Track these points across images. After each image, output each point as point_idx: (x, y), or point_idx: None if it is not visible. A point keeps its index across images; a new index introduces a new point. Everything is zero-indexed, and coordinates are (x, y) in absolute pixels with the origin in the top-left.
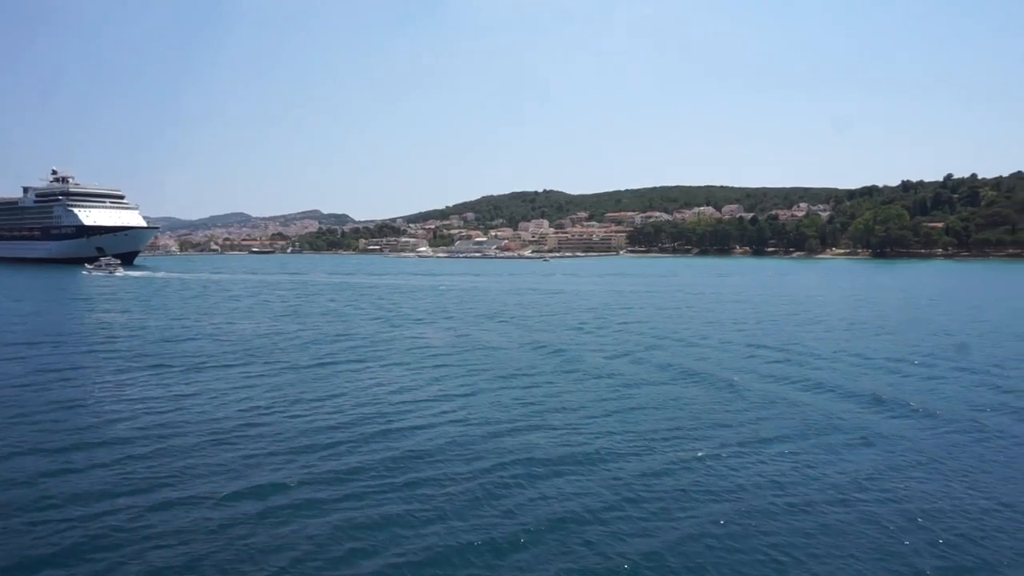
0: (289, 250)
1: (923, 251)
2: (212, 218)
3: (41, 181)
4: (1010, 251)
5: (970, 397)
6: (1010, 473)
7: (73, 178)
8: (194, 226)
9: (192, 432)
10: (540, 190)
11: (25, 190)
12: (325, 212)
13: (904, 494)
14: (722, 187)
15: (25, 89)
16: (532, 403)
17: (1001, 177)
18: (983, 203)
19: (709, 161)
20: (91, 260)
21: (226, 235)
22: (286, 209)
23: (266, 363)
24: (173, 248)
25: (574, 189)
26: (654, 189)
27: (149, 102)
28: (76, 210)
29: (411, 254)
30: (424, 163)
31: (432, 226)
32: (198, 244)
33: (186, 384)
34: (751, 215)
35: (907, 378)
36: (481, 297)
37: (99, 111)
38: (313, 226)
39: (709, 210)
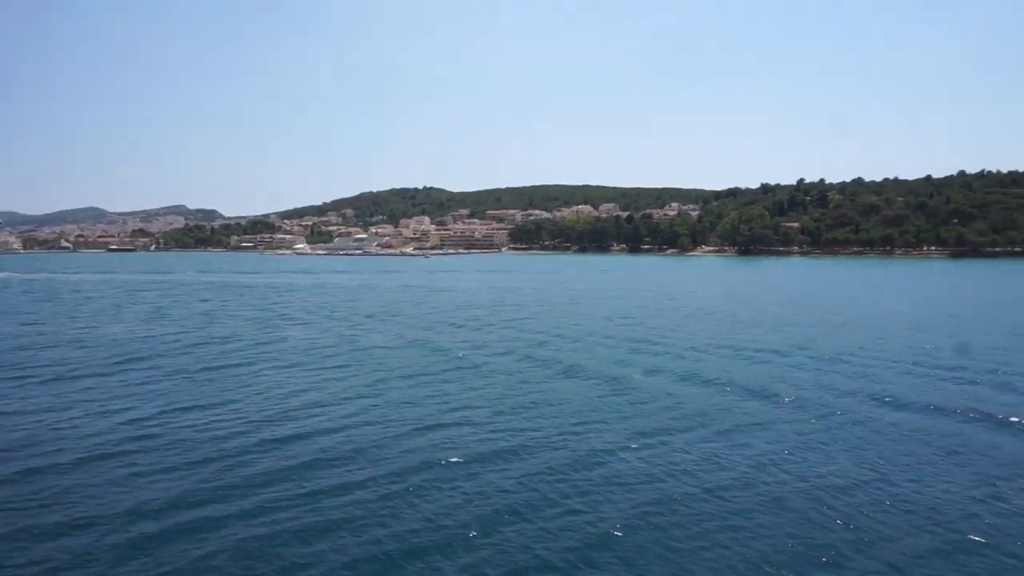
0: (153, 247)
1: (782, 248)
2: (61, 213)
3: None
4: (855, 249)
5: (840, 383)
6: (887, 449)
7: None
8: (39, 222)
9: (71, 448)
10: (421, 187)
11: None
12: (191, 207)
13: (801, 473)
14: (598, 187)
15: None
16: (431, 403)
17: (844, 183)
18: (831, 205)
19: (586, 161)
20: None
21: (78, 232)
22: (147, 204)
23: (147, 369)
24: (15, 245)
25: (455, 187)
26: (534, 188)
27: None
28: None
29: (288, 252)
30: (299, 158)
31: (309, 223)
32: (45, 241)
33: (55, 396)
34: (627, 214)
35: (786, 368)
36: (367, 295)
37: None
38: (179, 222)
39: (587, 209)
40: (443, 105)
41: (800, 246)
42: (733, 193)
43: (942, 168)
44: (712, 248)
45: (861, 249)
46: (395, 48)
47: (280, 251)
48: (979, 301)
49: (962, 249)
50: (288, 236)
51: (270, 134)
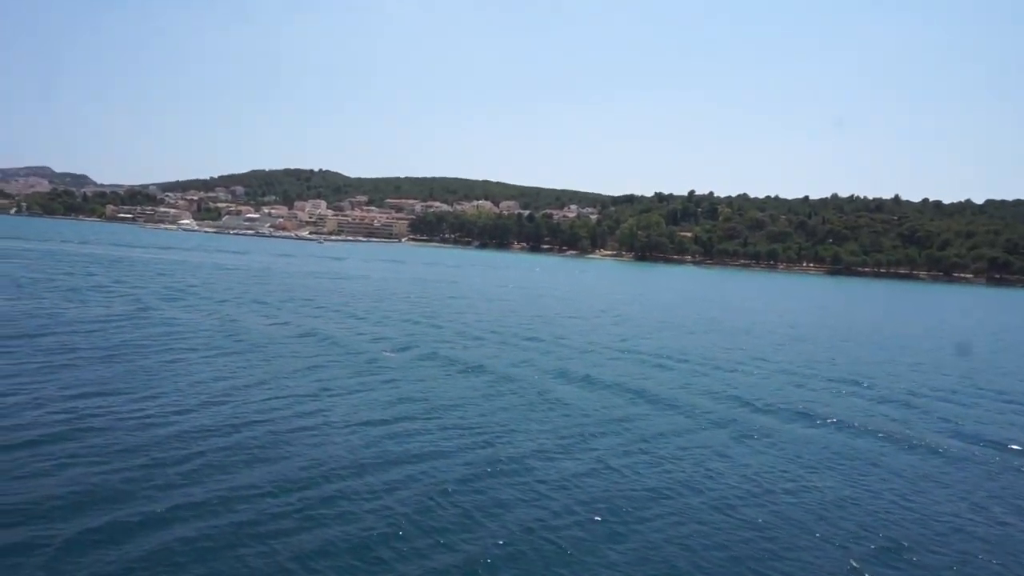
0: (13, 211)
1: (676, 256)
2: None
3: None
4: (742, 261)
5: (739, 391)
6: (770, 457)
7: None
8: None
9: None
10: (316, 169)
11: None
12: (58, 171)
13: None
14: (499, 183)
15: None
16: (330, 399)
17: (731, 197)
18: (721, 218)
19: (488, 157)
20: None
21: None
22: (5, 163)
23: (41, 351)
24: None
25: (352, 171)
26: (434, 179)
27: None
28: None
29: (172, 227)
30: (184, 126)
31: (195, 197)
32: None
33: None
34: (528, 212)
35: (670, 372)
36: (271, 279)
37: None
38: (42, 185)
39: (487, 204)
40: (341, 86)
41: (693, 255)
42: (630, 199)
43: (818, 190)
44: (610, 252)
45: (748, 262)
46: (289, 25)
47: (163, 226)
48: (861, 316)
49: (837, 267)
50: (172, 210)
51: (151, 96)
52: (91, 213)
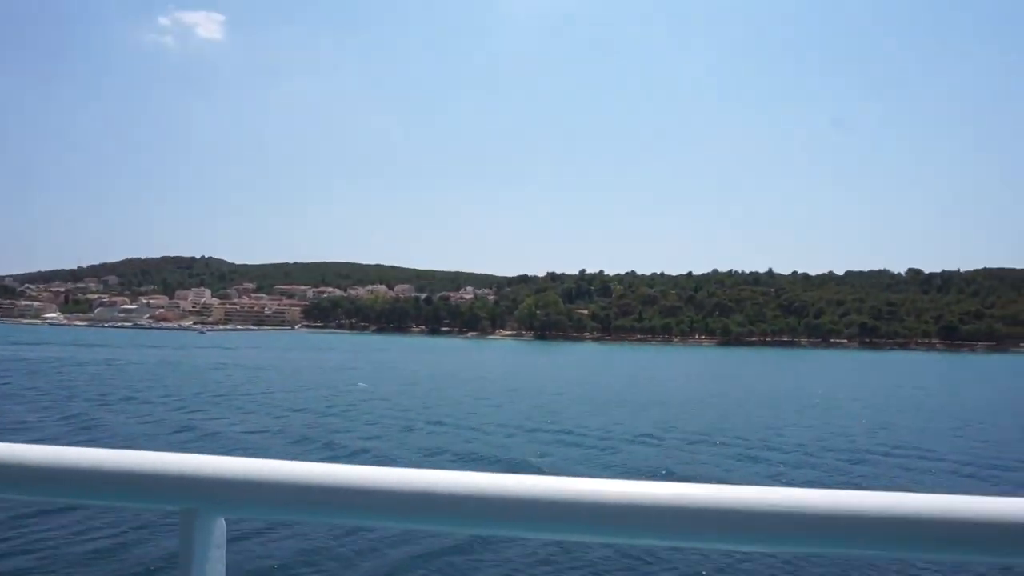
0: None
1: (575, 334)
2: None
3: None
4: (639, 336)
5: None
6: None
7: None
8: None
9: None
10: (198, 256)
11: None
12: None
13: None
14: (392, 267)
15: None
16: None
17: (620, 274)
18: (614, 295)
19: (378, 241)
20: None
21: None
22: None
23: None
24: None
25: (236, 258)
26: (325, 264)
27: None
28: None
29: (36, 321)
30: (43, 209)
31: (61, 289)
32: None
33: None
34: (424, 295)
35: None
36: (172, 373)
37: None
38: None
39: (382, 288)
40: (223, 169)
41: (591, 332)
42: (524, 279)
43: (699, 265)
44: (510, 332)
45: (644, 336)
46: (167, 104)
47: (25, 320)
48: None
49: (727, 338)
50: (36, 303)
51: (9, 181)
52: None
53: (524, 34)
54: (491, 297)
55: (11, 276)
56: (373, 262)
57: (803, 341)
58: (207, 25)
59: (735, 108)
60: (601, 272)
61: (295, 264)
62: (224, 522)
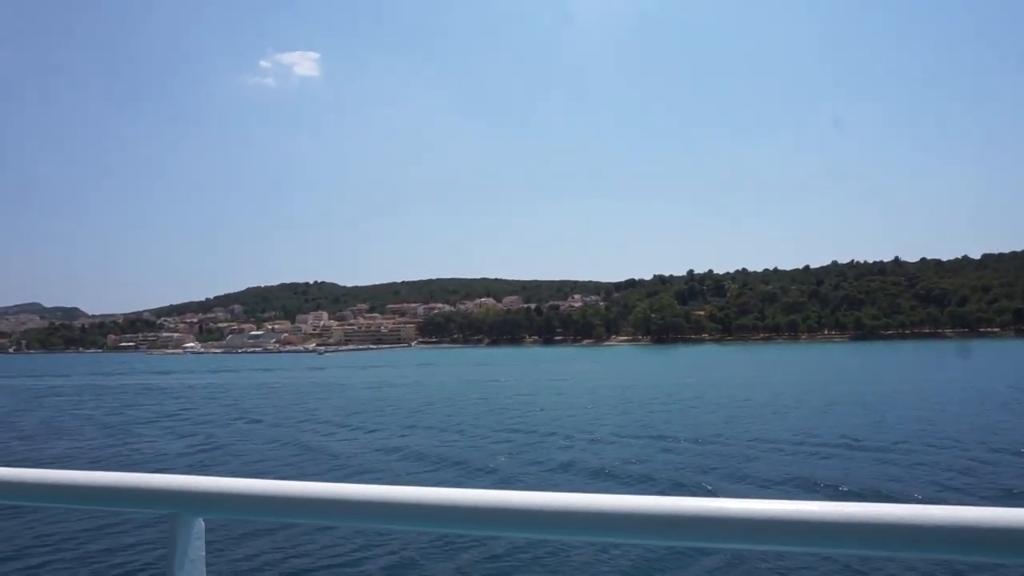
0: (12, 349)
1: (694, 336)
2: None
3: None
4: (762, 335)
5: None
6: None
7: None
8: None
9: None
10: (312, 281)
11: None
12: (48, 305)
13: None
14: (497, 280)
15: None
16: None
17: (731, 273)
18: (729, 294)
19: (482, 255)
20: None
21: None
22: None
23: None
24: None
25: (347, 281)
26: (432, 281)
27: None
28: None
29: (178, 351)
30: (172, 252)
31: (194, 320)
32: None
33: None
34: (534, 306)
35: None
36: (330, 394)
37: None
38: (34, 321)
39: (490, 301)
40: (330, 197)
41: (710, 333)
42: (631, 284)
43: (814, 258)
44: (626, 337)
45: (768, 335)
46: (272, 140)
47: (168, 350)
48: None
49: (860, 332)
50: (175, 335)
51: (139, 225)
52: (91, 344)
53: (604, 36)
54: (601, 303)
55: (148, 311)
56: (478, 276)
57: (948, 332)
58: (303, 63)
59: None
60: (710, 271)
61: (403, 283)
62: (202, 522)
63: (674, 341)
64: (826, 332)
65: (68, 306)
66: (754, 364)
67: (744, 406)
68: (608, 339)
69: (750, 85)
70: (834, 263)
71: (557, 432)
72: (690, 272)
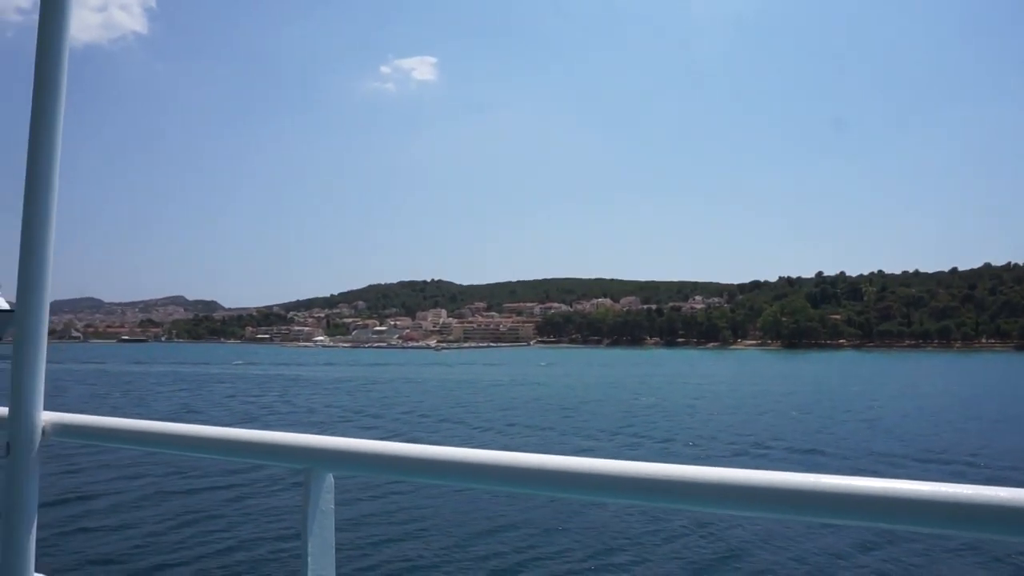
0: (164, 338)
1: (829, 342)
2: (58, 303)
3: None
4: (908, 342)
5: None
6: None
7: None
8: None
9: None
10: (429, 279)
11: None
12: (191, 298)
13: None
14: (613, 280)
15: None
16: None
17: (865, 275)
18: (867, 297)
19: (598, 255)
20: None
21: (81, 322)
22: (145, 294)
23: None
24: None
25: (463, 279)
26: (548, 280)
27: None
28: None
29: (309, 344)
30: (301, 249)
31: (320, 315)
32: (54, 331)
33: None
34: (655, 307)
35: None
36: (491, 391)
37: None
38: (178, 312)
39: (607, 302)
40: (447, 198)
41: (848, 339)
42: (757, 286)
43: (961, 259)
44: (754, 341)
45: (915, 342)
46: (393, 143)
47: (300, 343)
48: None
49: None
50: (305, 328)
51: (270, 224)
52: (230, 335)
53: (719, 32)
54: (725, 305)
55: (279, 305)
56: (594, 276)
57: None
58: (421, 68)
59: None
60: (842, 273)
61: (519, 282)
62: (332, 477)
63: (807, 346)
64: (983, 340)
65: (208, 299)
66: (917, 373)
67: (948, 422)
68: (735, 342)
69: (878, 80)
70: (987, 265)
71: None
72: (819, 274)
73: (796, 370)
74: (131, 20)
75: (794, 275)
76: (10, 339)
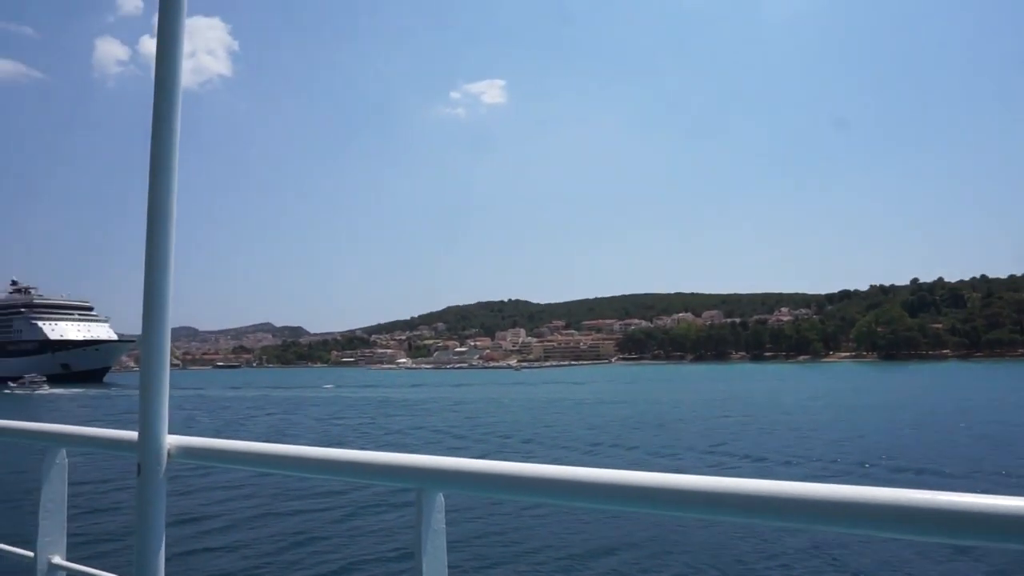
0: (255, 363)
1: (931, 352)
2: None
3: (0, 293)
4: (1021, 351)
5: None
6: None
7: (36, 289)
8: (135, 340)
9: None
10: (507, 299)
11: None
12: (278, 325)
13: None
14: (694, 294)
15: None
16: None
17: (966, 280)
18: (969, 304)
19: (675, 269)
20: (59, 376)
21: (181, 349)
22: (235, 322)
23: None
24: (131, 364)
25: (540, 298)
26: (626, 297)
27: (98, 209)
28: (40, 323)
29: (391, 366)
30: (381, 275)
31: (401, 337)
32: None
33: None
34: (739, 320)
35: None
36: (577, 409)
37: (58, 216)
38: (267, 339)
39: (690, 316)
40: (516, 220)
41: (953, 348)
42: (847, 295)
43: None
44: (848, 353)
45: None
46: (468, 166)
47: (383, 366)
48: None
49: None
50: (388, 351)
51: (351, 250)
52: (316, 359)
53: (794, 36)
54: (814, 316)
55: (361, 329)
56: (673, 290)
57: None
58: (491, 92)
59: None
60: (940, 279)
61: (596, 299)
62: (442, 497)
63: (907, 358)
64: None
65: (294, 325)
66: None
67: None
68: (827, 355)
69: (966, 77)
70: None
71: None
72: (915, 281)
73: (900, 382)
74: (217, 64)
75: (886, 283)
76: (118, 367)
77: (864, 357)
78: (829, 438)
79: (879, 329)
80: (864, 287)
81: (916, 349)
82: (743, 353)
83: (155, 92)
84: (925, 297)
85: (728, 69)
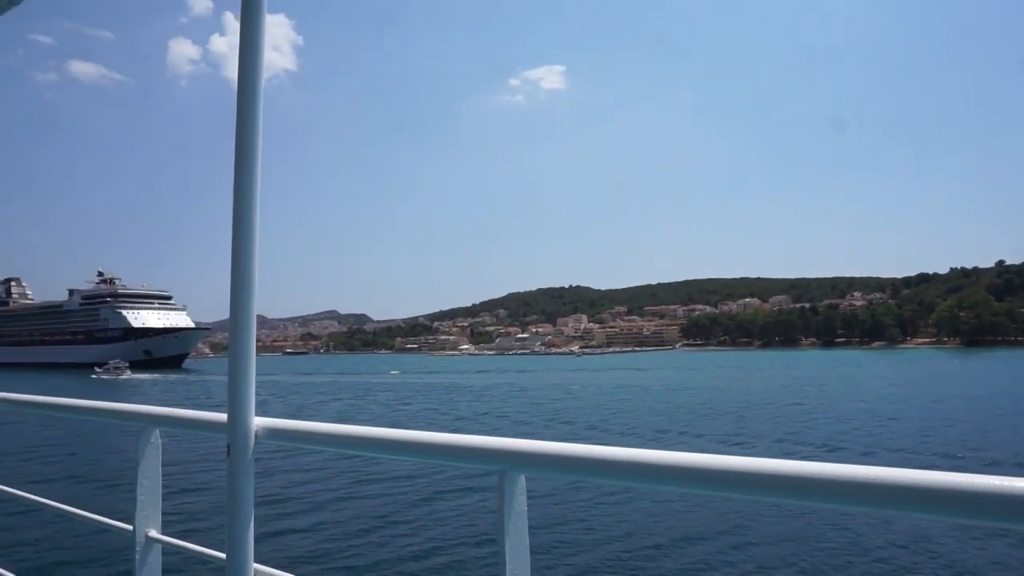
0: (322, 350)
1: (1021, 338)
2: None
3: (87, 283)
4: None
5: None
6: None
7: (119, 279)
8: (212, 328)
9: None
10: (567, 285)
11: (71, 293)
12: (343, 312)
13: None
14: (759, 279)
15: (68, 190)
16: None
17: None
18: None
19: (740, 252)
20: (141, 362)
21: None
22: (302, 310)
23: None
24: (206, 351)
25: (600, 284)
26: (689, 282)
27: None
28: (124, 312)
29: (455, 352)
30: (442, 262)
31: (463, 324)
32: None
33: None
34: (809, 305)
35: None
36: (642, 396)
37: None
38: (333, 326)
39: (755, 301)
40: (578, 205)
41: None
42: (925, 279)
43: None
44: (927, 339)
45: None
46: (527, 152)
47: (447, 352)
48: None
49: None
50: (450, 337)
51: (414, 238)
52: (381, 346)
53: (864, 12)
54: (890, 301)
55: (423, 316)
56: (737, 275)
57: None
58: (550, 78)
59: None
60: None
61: (658, 285)
62: (524, 479)
63: (992, 344)
64: None
65: (358, 312)
66: None
67: None
68: (904, 341)
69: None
70: None
71: None
72: (1000, 263)
73: (987, 369)
74: (283, 59)
75: (968, 265)
76: (195, 354)
77: (945, 343)
78: (914, 427)
79: (962, 314)
80: (943, 270)
81: (1003, 335)
82: (813, 339)
83: (238, 89)
84: (1013, 280)
85: (789, 48)
